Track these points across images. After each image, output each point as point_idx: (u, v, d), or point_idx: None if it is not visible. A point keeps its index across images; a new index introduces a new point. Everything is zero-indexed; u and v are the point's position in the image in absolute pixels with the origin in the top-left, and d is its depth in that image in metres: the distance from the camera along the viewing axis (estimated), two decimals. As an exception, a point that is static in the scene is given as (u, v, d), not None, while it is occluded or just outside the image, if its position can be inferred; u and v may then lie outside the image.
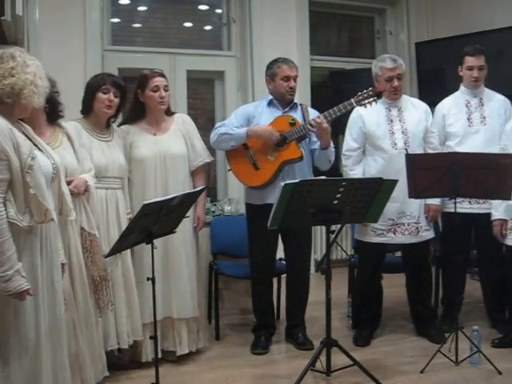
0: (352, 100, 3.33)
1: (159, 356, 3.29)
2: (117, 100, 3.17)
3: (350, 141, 3.66)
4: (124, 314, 3.13)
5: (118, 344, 3.12)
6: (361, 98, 3.32)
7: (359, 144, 3.64)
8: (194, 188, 3.36)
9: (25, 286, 2.15)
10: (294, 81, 3.54)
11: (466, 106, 3.77)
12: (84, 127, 3.14)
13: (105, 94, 3.13)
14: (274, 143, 3.41)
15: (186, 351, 3.39)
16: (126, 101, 3.31)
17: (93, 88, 3.15)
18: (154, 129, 3.40)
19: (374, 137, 3.59)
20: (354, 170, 3.63)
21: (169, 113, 3.47)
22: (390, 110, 3.63)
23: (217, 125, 3.63)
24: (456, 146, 3.72)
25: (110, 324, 3.06)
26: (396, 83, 3.56)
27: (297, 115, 3.54)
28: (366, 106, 3.35)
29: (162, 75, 3.40)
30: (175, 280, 3.34)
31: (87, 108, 3.18)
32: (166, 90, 3.35)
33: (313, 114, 3.58)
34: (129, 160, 3.33)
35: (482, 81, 3.76)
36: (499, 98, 3.79)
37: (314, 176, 3.48)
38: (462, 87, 3.82)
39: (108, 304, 2.99)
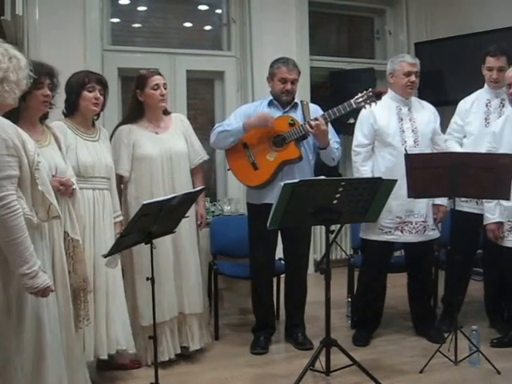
0: (351, 101, 3.34)
1: (178, 351, 3.37)
2: (102, 97, 3.12)
3: (360, 137, 3.65)
4: (104, 324, 3.01)
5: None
6: (360, 99, 3.33)
7: (369, 140, 3.63)
8: (194, 186, 3.38)
9: (49, 282, 2.14)
10: (292, 83, 3.53)
11: (486, 106, 3.73)
12: (69, 126, 3.06)
13: (90, 92, 3.06)
14: (271, 125, 3.40)
15: (198, 347, 3.44)
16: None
17: (77, 87, 3.06)
18: (154, 127, 3.41)
19: (384, 133, 3.58)
20: (364, 166, 3.62)
21: (166, 112, 3.49)
22: (400, 109, 3.64)
23: (215, 126, 3.65)
24: (469, 144, 3.71)
25: (100, 331, 2.97)
26: (413, 78, 3.59)
27: (297, 114, 3.55)
28: (365, 107, 3.37)
29: (160, 74, 3.43)
30: (186, 276, 3.39)
31: (72, 108, 3.09)
32: (165, 88, 3.38)
33: (314, 109, 3.60)
34: (131, 159, 3.33)
35: (503, 81, 3.66)
36: None
37: (315, 176, 3.49)
38: (485, 85, 3.78)
39: (84, 319, 2.74)
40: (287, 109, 3.58)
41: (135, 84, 3.39)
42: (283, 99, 3.55)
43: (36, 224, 2.20)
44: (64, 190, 2.64)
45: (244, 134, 3.47)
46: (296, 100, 3.63)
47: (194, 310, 3.42)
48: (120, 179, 3.34)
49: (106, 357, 3.00)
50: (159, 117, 3.44)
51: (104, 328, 2.99)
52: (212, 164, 5.32)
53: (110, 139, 3.34)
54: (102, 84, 3.13)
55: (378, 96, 3.33)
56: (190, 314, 3.41)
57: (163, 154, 3.34)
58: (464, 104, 3.82)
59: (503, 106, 3.68)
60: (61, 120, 3.08)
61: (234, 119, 3.59)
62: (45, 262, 2.28)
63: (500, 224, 3.40)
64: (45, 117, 2.80)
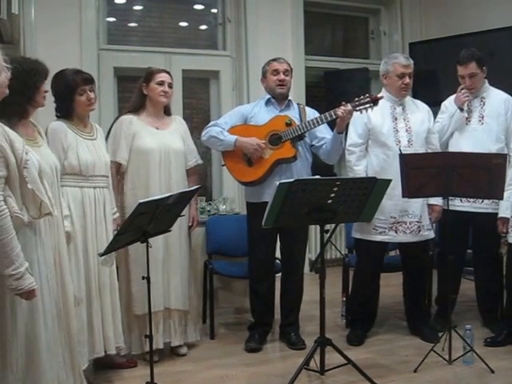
0: (349, 105, 3.32)
1: (161, 347, 3.40)
2: (93, 94, 3.11)
3: (354, 136, 3.64)
4: (110, 320, 3.09)
5: (105, 352, 3.07)
6: (357, 103, 3.31)
7: (363, 139, 3.63)
8: (188, 187, 3.40)
9: (35, 285, 2.14)
10: (284, 75, 3.58)
11: (467, 105, 3.75)
12: (69, 126, 3.06)
13: (82, 95, 3.05)
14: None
15: (178, 343, 3.49)
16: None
17: (68, 93, 3.03)
18: (155, 123, 3.47)
19: (378, 133, 3.59)
20: (357, 165, 3.62)
21: (167, 112, 3.56)
22: (394, 108, 3.64)
23: (210, 123, 3.67)
24: (453, 143, 3.75)
25: (95, 330, 3.02)
26: (408, 80, 3.59)
27: (294, 114, 3.57)
28: (361, 112, 3.33)
29: (169, 73, 3.54)
30: (173, 273, 3.44)
31: (68, 111, 3.08)
32: (170, 87, 3.46)
33: (310, 112, 3.62)
34: (130, 150, 3.37)
35: (479, 85, 3.72)
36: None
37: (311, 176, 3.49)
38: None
39: None
40: (283, 107, 3.60)
41: (143, 77, 3.47)
42: (278, 92, 3.58)
43: (27, 221, 2.19)
44: None
45: (233, 148, 3.50)
46: (291, 99, 3.65)
47: (178, 306, 3.46)
48: (117, 168, 3.37)
49: (114, 352, 3.11)
50: (160, 113, 3.51)
51: (111, 323, 3.08)
52: (208, 163, 5.33)
53: (111, 128, 3.42)
54: (90, 81, 3.12)
55: (374, 102, 3.29)
56: (174, 310, 3.46)
57: (162, 149, 3.39)
58: (448, 103, 3.84)
59: (484, 104, 3.73)
60: (60, 119, 3.08)
61: (228, 119, 3.63)
62: (39, 257, 2.29)
63: (506, 220, 3.42)
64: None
